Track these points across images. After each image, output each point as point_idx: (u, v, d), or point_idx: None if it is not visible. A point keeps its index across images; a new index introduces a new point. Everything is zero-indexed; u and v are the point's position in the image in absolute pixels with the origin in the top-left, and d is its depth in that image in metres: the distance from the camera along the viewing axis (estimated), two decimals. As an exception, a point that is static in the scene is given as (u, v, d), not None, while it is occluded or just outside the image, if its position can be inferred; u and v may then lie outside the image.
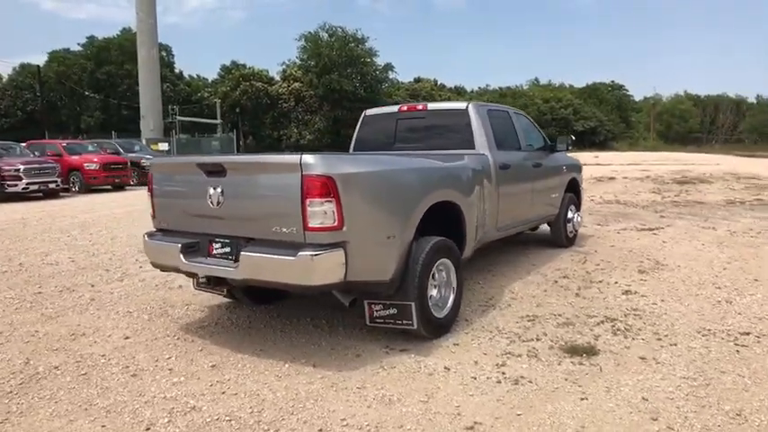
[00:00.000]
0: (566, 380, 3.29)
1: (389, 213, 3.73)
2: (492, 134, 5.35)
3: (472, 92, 64.00)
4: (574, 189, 7.40)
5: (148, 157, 18.48)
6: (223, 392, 3.24)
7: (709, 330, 4.10)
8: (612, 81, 73.18)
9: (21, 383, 3.42)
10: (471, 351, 3.80)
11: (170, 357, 3.81)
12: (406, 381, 3.35)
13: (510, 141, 5.82)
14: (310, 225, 3.31)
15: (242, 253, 3.52)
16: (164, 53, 50.36)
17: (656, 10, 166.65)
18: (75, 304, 5.14)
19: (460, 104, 5.66)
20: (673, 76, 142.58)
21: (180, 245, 3.85)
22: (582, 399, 3.04)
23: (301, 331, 4.26)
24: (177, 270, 4.03)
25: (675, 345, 3.82)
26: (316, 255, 3.27)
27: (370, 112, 6.16)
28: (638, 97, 76.80)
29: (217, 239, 3.79)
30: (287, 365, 3.61)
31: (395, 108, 6.02)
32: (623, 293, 5.11)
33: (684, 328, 4.14)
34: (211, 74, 66.91)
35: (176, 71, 56.83)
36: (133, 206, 12.77)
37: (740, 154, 39.20)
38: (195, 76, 62.42)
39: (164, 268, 4.31)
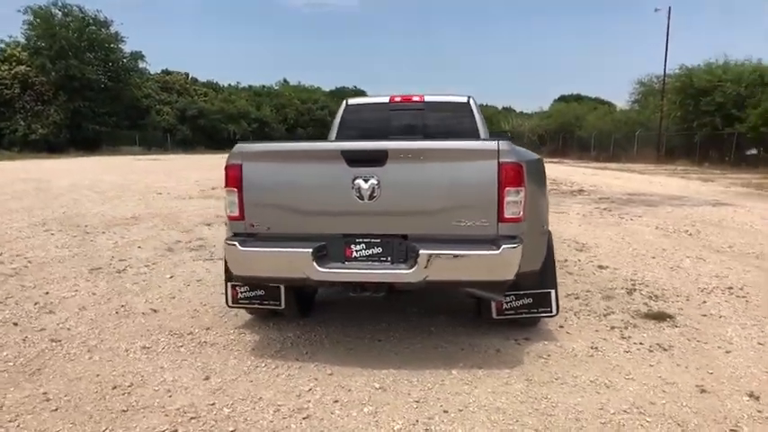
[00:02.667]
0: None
1: (545, 202, 3.78)
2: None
3: (230, 87, 62.35)
4: None
5: None
6: (461, 410, 2.97)
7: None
8: (355, 87, 79.46)
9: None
10: (583, 331, 4.11)
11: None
12: (579, 365, 3.51)
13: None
14: (506, 216, 3.18)
15: (422, 252, 3.11)
16: None
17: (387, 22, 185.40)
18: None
19: (461, 97, 5.73)
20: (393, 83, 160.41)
21: (311, 249, 3.24)
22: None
23: (412, 344, 3.93)
24: (295, 283, 3.52)
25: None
26: (514, 247, 3.11)
27: (353, 101, 5.92)
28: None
29: (359, 240, 3.34)
30: (463, 373, 3.42)
31: (384, 99, 5.84)
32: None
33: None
34: None
35: None
36: None
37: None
38: None
39: (266, 281, 3.65)
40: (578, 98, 68.11)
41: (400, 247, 3.31)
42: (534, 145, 39.21)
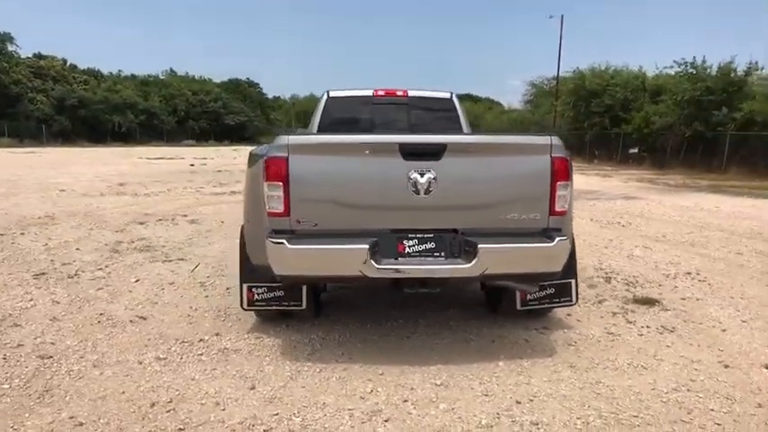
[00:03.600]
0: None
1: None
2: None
3: (112, 75, 57.63)
4: None
5: None
6: (531, 399, 3.01)
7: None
8: (248, 78, 76.83)
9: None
10: (590, 318, 4.32)
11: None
12: (607, 350, 3.68)
13: None
14: (556, 209, 3.25)
15: (481, 246, 3.10)
16: None
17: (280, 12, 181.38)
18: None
19: (444, 93, 5.77)
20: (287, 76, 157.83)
21: (367, 246, 3.08)
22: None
23: (441, 338, 3.89)
24: (347, 281, 3.44)
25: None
26: (565, 239, 3.21)
27: (335, 93, 5.67)
28: (269, 95, 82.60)
29: (412, 235, 3.25)
30: (509, 364, 3.46)
31: (368, 92, 5.65)
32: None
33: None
34: None
35: None
36: None
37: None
38: None
39: (316, 281, 3.38)
40: (470, 97, 71.34)
41: (454, 242, 3.28)
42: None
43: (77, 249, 6.57)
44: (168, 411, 2.84)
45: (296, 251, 3.12)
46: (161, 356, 3.51)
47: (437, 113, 5.69)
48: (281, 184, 3.16)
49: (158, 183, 14.97)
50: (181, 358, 3.50)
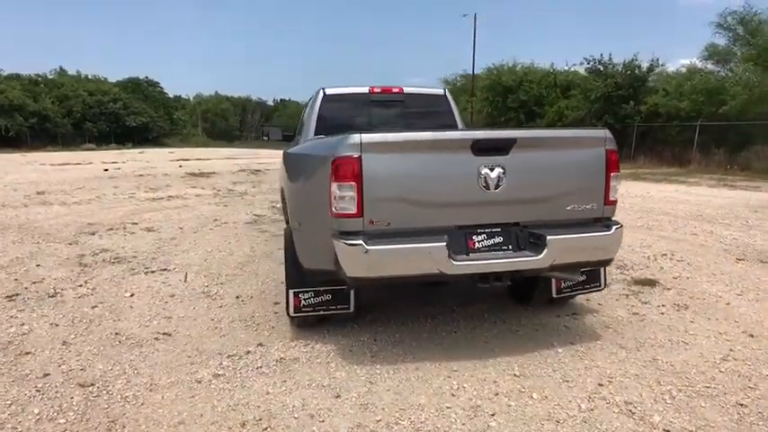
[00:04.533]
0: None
1: None
2: None
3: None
4: None
5: None
6: (610, 381, 3.15)
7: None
8: (147, 77, 72.52)
9: None
10: (607, 301, 4.55)
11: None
12: (642, 330, 3.92)
13: None
14: (610, 199, 3.43)
15: (550, 237, 3.19)
16: None
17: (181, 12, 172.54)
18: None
19: (438, 90, 5.90)
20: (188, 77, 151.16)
21: (445, 243, 3.07)
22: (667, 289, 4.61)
23: (487, 330, 3.96)
24: (424, 279, 3.34)
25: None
26: (620, 227, 3.43)
27: (330, 91, 5.48)
28: (170, 95, 78.47)
29: (480, 230, 3.26)
30: (565, 350, 3.57)
31: (364, 89, 5.55)
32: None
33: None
34: None
35: None
36: None
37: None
38: None
39: (394, 281, 3.24)
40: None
41: (521, 235, 3.34)
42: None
43: (38, 266, 5.93)
44: (265, 430, 2.67)
45: (376, 252, 3.03)
46: (218, 373, 3.29)
47: (432, 110, 5.73)
48: (353, 183, 3.04)
49: (81, 190, 13.81)
50: (239, 373, 3.29)
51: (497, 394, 3.00)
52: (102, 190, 13.84)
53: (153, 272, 5.69)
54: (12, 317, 4.30)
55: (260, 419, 2.76)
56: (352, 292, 3.70)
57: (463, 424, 2.71)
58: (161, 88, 72.66)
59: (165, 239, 7.43)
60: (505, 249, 3.31)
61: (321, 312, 3.73)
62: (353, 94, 5.63)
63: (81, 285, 5.17)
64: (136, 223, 8.76)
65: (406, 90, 5.74)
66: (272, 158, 28.00)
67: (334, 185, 3.08)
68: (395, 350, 3.62)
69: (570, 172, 3.38)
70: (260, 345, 3.72)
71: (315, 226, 3.45)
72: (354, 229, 3.11)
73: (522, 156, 3.23)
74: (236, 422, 2.74)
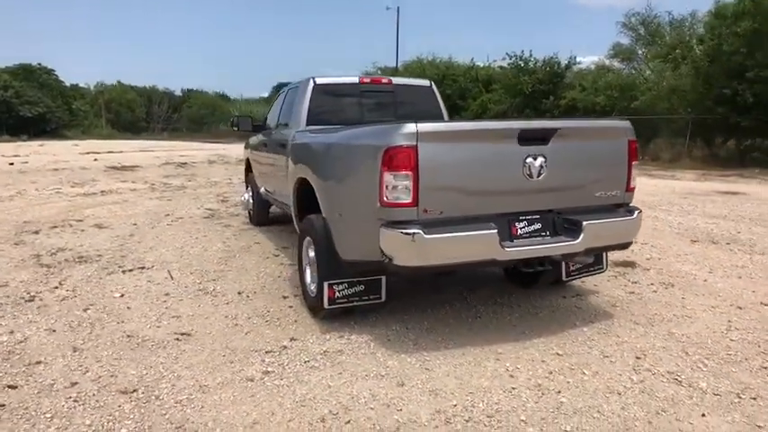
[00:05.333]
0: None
1: None
2: None
3: None
4: None
5: None
6: (645, 354, 3.31)
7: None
8: (40, 64, 66.59)
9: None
10: (600, 283, 4.76)
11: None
12: (645, 307, 4.18)
13: None
14: (631, 185, 3.70)
15: (585, 223, 3.39)
16: None
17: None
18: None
19: (424, 81, 6.10)
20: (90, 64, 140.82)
21: (496, 230, 3.17)
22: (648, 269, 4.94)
23: (509, 314, 4.09)
24: (478, 266, 3.69)
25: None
26: (641, 211, 3.74)
27: (321, 80, 5.34)
28: (67, 83, 72.49)
29: (522, 217, 3.39)
30: (591, 329, 3.76)
31: (354, 79, 5.55)
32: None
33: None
34: None
35: None
36: None
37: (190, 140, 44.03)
38: None
39: (450, 269, 3.55)
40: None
41: (557, 221, 3.50)
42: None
43: (-7, 269, 5.37)
44: (348, 423, 2.63)
45: (433, 241, 3.05)
46: (267, 370, 3.17)
47: (420, 100, 5.86)
48: (409, 173, 3.04)
49: (-5, 186, 12.56)
50: (289, 370, 3.19)
51: (551, 372, 3.13)
52: (20, 186, 12.66)
53: (131, 270, 5.34)
54: (5, 326, 3.88)
55: (336, 414, 2.71)
56: (383, 281, 3.69)
57: (536, 402, 2.81)
58: (56, 76, 67.20)
59: (123, 236, 6.97)
60: (544, 235, 3.45)
61: (355, 303, 3.69)
62: (344, 84, 5.61)
63: (57, 287, 4.75)
64: (80, 220, 8.13)
65: (395, 81, 5.96)
66: (191, 151, 26.88)
67: (388, 175, 3.06)
68: (431, 337, 3.66)
69: (600, 160, 3.63)
70: (293, 339, 3.62)
71: (357, 216, 3.41)
72: (408, 219, 3.11)
73: (560, 145, 3.39)
74: (314, 418, 2.67)
